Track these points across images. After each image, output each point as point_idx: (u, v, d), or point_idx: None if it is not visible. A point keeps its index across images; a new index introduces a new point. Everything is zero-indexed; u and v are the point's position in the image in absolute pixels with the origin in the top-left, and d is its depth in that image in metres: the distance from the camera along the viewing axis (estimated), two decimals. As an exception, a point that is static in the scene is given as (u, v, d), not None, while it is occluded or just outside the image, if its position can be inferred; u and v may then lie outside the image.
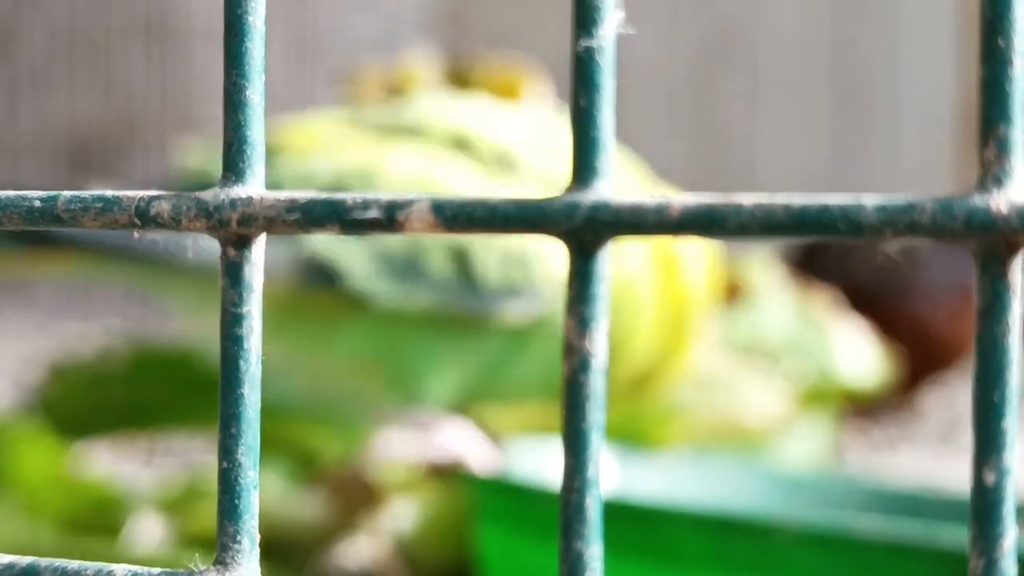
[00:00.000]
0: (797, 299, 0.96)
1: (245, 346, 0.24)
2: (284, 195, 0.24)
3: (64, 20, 2.66)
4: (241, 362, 0.24)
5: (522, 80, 0.90)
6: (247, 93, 0.24)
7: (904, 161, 3.02)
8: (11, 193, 0.26)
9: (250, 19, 0.24)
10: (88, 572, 0.25)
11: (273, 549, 0.87)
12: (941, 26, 3.00)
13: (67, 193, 0.25)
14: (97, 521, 0.91)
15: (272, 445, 0.92)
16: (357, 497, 0.88)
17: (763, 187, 3.04)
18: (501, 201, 0.22)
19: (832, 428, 0.97)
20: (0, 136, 2.69)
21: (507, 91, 0.89)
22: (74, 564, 0.25)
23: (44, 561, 0.25)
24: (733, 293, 0.86)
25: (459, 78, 0.91)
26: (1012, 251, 0.19)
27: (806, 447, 0.92)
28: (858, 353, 0.95)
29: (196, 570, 0.24)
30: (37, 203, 0.25)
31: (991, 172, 0.19)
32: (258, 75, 0.24)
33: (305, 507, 0.90)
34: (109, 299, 2.57)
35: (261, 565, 0.25)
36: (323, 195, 0.23)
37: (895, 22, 3.01)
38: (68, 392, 0.96)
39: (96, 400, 0.96)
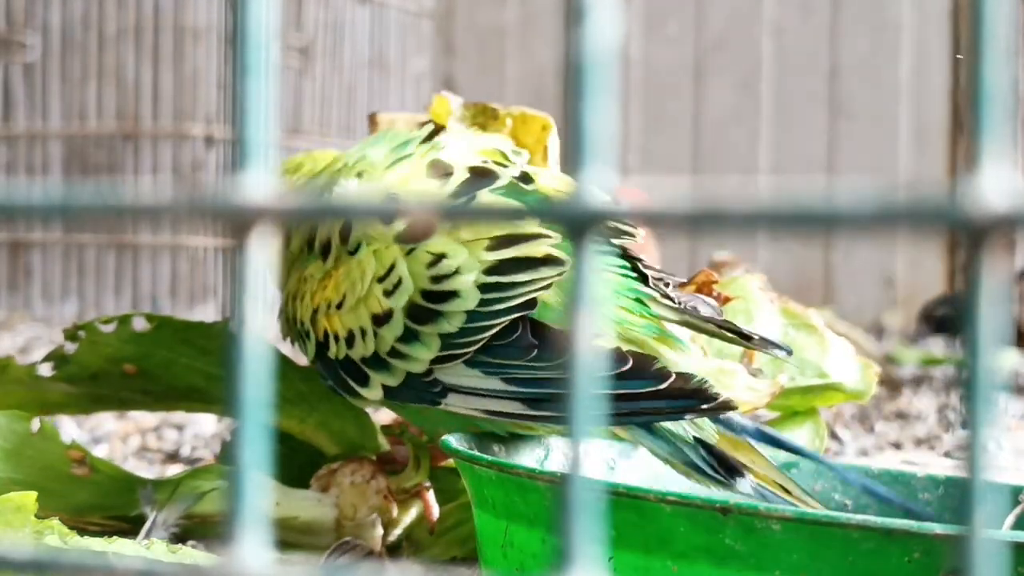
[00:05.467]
0: (788, 309, 0.96)
1: (249, 335, 0.24)
2: (283, 188, 0.24)
3: (62, 20, 2.66)
4: (246, 351, 0.24)
5: (547, 128, 0.87)
6: (250, 90, 0.24)
7: (899, 163, 3.02)
8: (11, 190, 0.26)
9: (256, 17, 0.24)
10: (93, 561, 0.25)
11: (282, 539, 0.88)
12: (936, 25, 3.00)
13: (66, 188, 0.25)
14: (105, 510, 0.91)
15: (284, 440, 0.92)
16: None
17: (760, 184, 3.03)
18: (498, 200, 0.23)
19: (825, 429, 0.98)
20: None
21: (531, 139, 0.86)
22: (78, 554, 0.26)
23: (48, 551, 0.26)
24: (717, 297, 0.86)
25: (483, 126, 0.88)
26: (989, 241, 0.20)
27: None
28: (848, 360, 0.96)
29: (205, 559, 0.25)
30: (36, 199, 0.26)
31: (968, 165, 0.20)
32: (262, 73, 0.24)
33: (315, 498, 0.90)
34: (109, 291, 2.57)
35: (270, 554, 0.25)
36: (322, 189, 0.24)
37: (893, 23, 3.01)
38: (84, 358, 0.95)
39: (112, 368, 0.95)
